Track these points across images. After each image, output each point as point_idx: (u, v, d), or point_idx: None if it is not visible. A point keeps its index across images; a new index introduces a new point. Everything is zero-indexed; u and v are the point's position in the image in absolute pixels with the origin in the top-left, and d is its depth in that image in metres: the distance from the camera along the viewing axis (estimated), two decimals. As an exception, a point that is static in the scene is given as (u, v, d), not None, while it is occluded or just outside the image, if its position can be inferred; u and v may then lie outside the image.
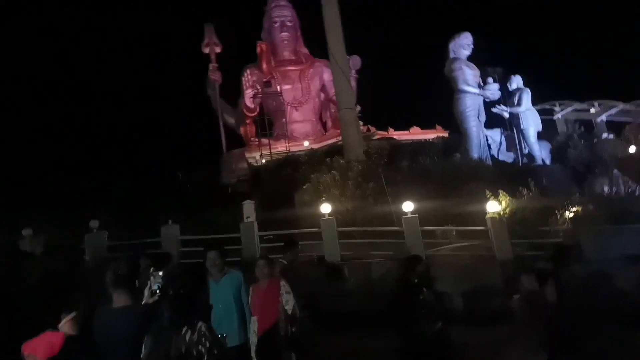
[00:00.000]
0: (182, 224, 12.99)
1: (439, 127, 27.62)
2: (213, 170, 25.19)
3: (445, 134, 25.37)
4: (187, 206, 16.43)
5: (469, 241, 11.56)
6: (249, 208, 12.55)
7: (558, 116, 26.39)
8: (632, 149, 17.42)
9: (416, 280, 5.91)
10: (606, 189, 14.59)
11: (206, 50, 28.98)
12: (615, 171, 15.33)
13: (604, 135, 20.74)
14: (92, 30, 49.38)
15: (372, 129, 27.33)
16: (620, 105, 25.28)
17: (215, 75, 28.50)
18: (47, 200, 16.93)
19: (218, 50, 28.97)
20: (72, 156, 33.56)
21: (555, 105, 26.77)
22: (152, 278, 5.24)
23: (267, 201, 15.91)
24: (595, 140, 19.46)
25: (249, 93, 27.67)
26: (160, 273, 5.22)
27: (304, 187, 14.26)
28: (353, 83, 29.14)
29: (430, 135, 25.88)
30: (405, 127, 28.81)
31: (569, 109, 26.42)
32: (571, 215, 11.31)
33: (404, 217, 11.11)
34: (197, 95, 31.90)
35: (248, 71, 28.68)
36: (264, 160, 23.00)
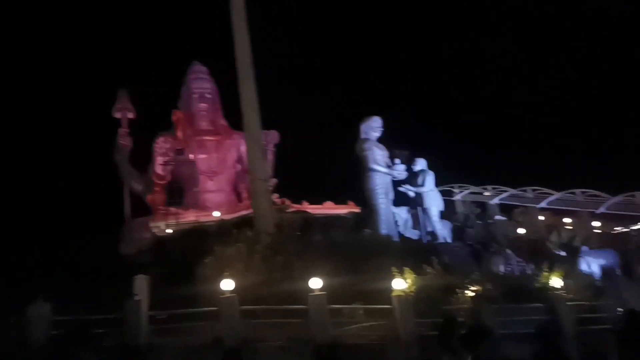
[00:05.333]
0: (62, 302, 11.30)
1: (351, 203, 28.37)
2: (112, 240, 23.36)
3: (358, 210, 26.04)
4: (74, 280, 14.63)
5: (376, 320, 11.35)
6: (140, 284, 11.34)
7: (457, 197, 28.89)
8: (521, 231, 19.02)
9: None
10: (502, 267, 15.50)
11: (117, 115, 28.04)
12: (508, 251, 16.47)
13: (497, 217, 22.55)
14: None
15: (287, 202, 27.36)
16: (510, 191, 28.30)
17: (125, 141, 27.42)
18: None
19: (131, 116, 28.17)
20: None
21: (454, 188, 29.36)
22: None
23: (168, 275, 14.65)
24: (490, 221, 21.03)
25: (160, 160, 26.78)
26: None
27: (206, 260, 13.41)
28: (270, 156, 29.59)
29: (342, 210, 26.40)
30: (320, 201, 29.31)
31: (466, 192, 29.08)
32: (471, 294, 11.68)
33: (310, 294, 10.72)
34: (102, 159, 30.13)
35: (161, 138, 27.95)
36: (169, 230, 21.69)
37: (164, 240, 19.57)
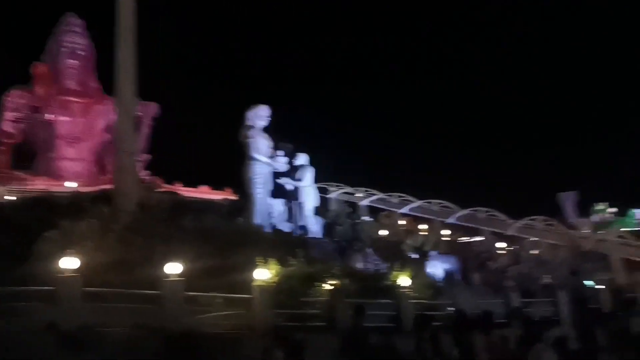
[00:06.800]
0: None
1: (228, 190, 27.81)
2: None
3: (235, 197, 25.57)
4: None
5: (236, 310, 11.17)
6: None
7: (332, 195, 30.17)
8: (383, 232, 20.45)
9: None
10: (360, 264, 16.43)
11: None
12: (369, 249, 17.56)
13: (364, 217, 24.00)
14: None
15: (158, 181, 25.83)
16: (379, 194, 30.52)
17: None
18: None
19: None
20: None
21: (330, 186, 30.63)
22: None
23: (2, 249, 12.78)
24: (357, 220, 22.21)
25: (10, 116, 23.40)
26: None
27: (47, 234, 11.92)
28: (146, 129, 27.60)
29: (218, 196, 25.75)
30: (195, 184, 28.23)
31: (340, 191, 30.58)
32: (330, 287, 12.13)
33: (166, 280, 10.12)
34: None
35: (15, 92, 24.47)
36: (11, 197, 18.91)
37: (2, 207, 16.95)
